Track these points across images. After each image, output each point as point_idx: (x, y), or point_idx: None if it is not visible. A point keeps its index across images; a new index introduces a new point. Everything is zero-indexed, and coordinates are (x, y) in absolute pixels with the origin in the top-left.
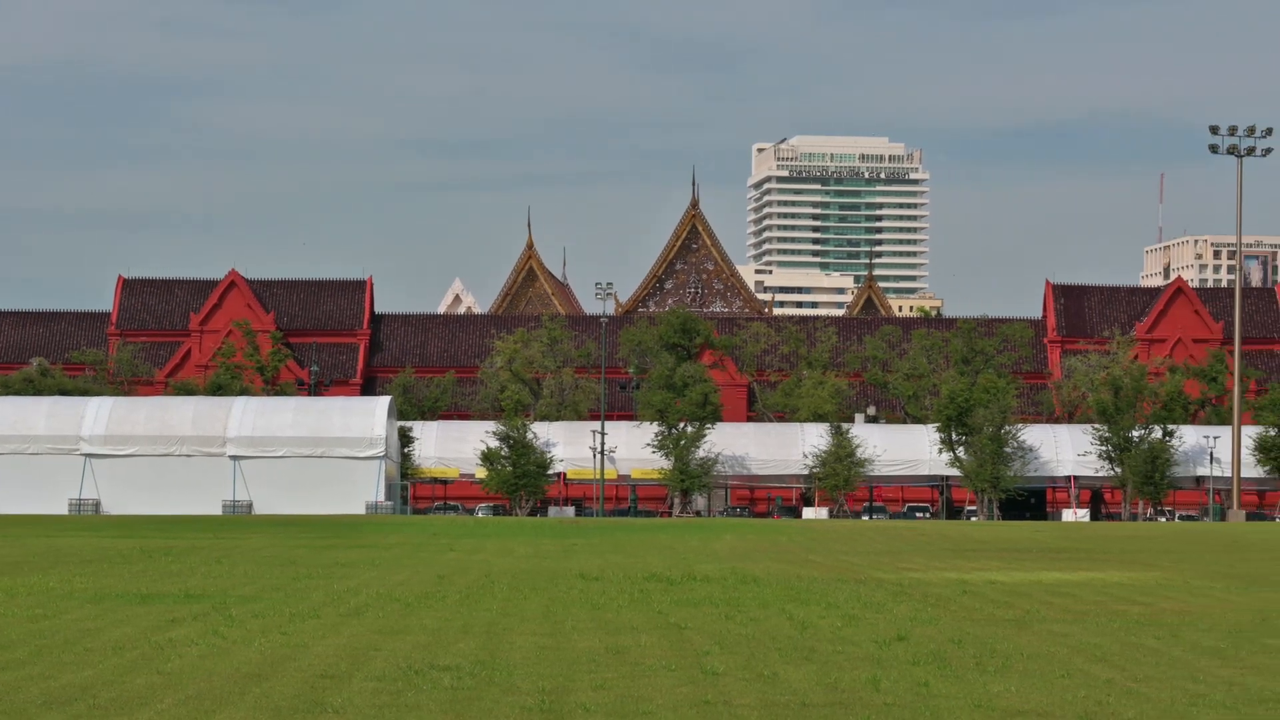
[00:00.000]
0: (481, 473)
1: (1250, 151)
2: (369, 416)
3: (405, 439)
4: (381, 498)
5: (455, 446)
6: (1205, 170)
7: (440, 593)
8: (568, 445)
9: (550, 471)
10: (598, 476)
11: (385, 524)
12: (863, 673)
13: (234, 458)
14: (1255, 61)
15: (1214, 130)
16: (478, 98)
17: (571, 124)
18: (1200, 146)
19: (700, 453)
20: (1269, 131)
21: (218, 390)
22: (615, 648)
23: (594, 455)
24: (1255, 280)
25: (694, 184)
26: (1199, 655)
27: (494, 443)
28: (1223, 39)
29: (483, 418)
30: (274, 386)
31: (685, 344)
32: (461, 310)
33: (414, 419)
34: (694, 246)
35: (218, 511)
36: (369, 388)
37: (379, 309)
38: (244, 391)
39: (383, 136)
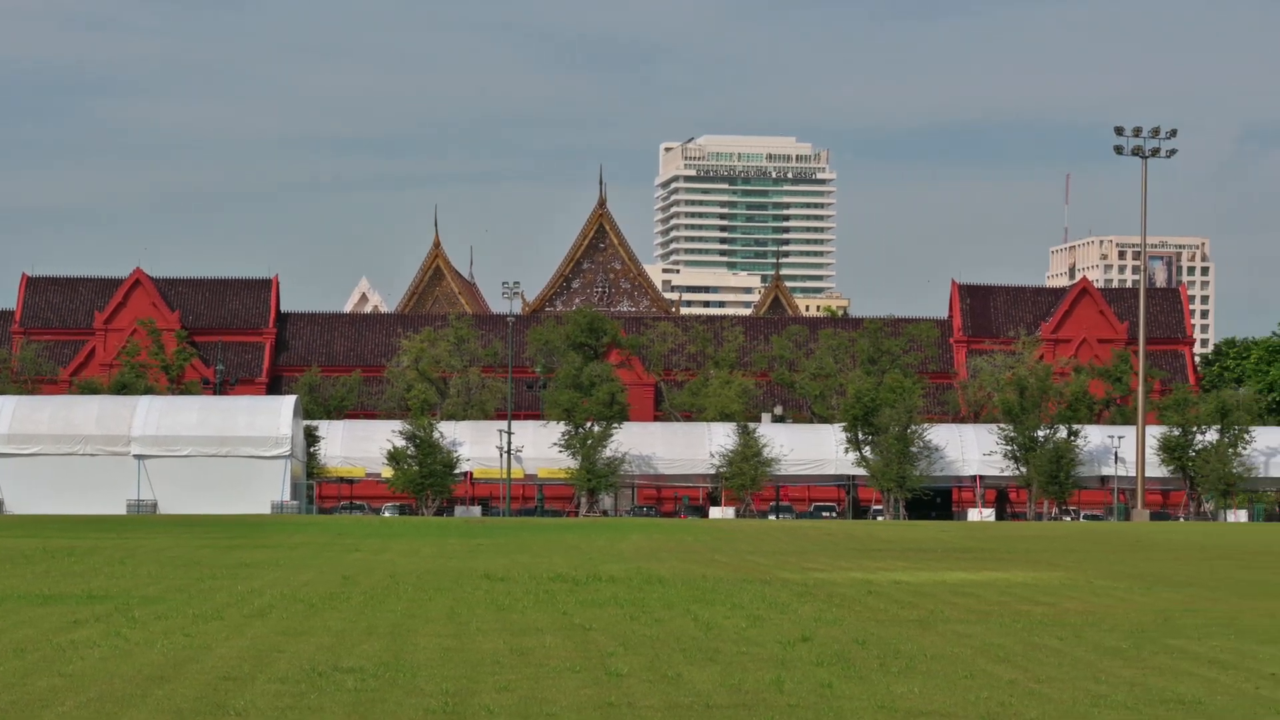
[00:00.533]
0: (388, 472)
1: (1155, 153)
2: (274, 416)
3: (311, 438)
4: (287, 497)
5: (361, 446)
6: (1110, 171)
7: (345, 594)
8: (474, 445)
9: (456, 471)
10: (504, 476)
11: (290, 524)
12: (766, 674)
13: (139, 457)
14: (1160, 63)
15: (1119, 131)
16: (385, 96)
17: (479, 123)
18: (1105, 148)
19: (607, 452)
20: (1173, 133)
21: (122, 389)
22: (519, 649)
23: (501, 455)
24: (1160, 281)
25: (601, 183)
26: (1101, 656)
27: (400, 442)
28: (1128, 41)
29: (389, 417)
30: (179, 385)
31: (592, 343)
32: (368, 309)
33: (320, 418)
34: (601, 246)
35: (122, 511)
36: (275, 387)
37: (285, 308)
38: (149, 390)
39: (289, 135)
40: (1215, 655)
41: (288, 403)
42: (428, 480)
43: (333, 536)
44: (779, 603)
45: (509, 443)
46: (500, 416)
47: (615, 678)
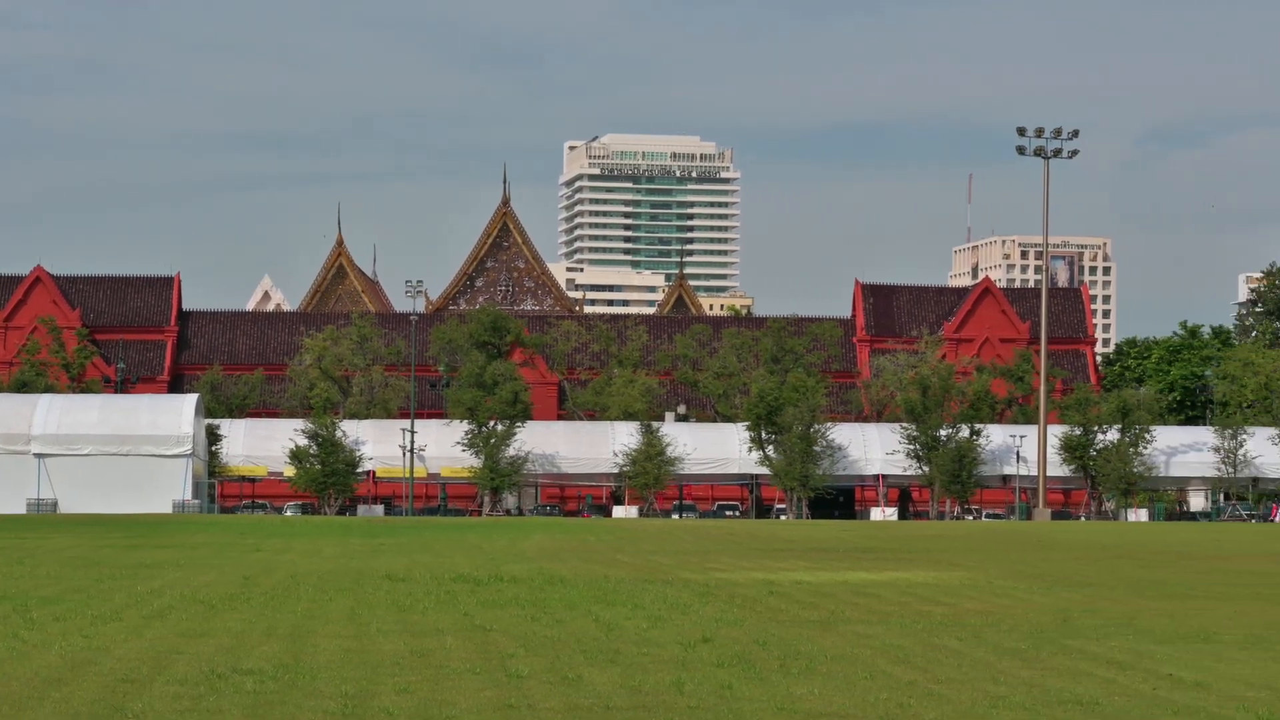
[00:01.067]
0: (290, 471)
1: (1057, 153)
2: (176, 414)
3: (213, 437)
4: (188, 496)
5: (263, 445)
6: (1013, 171)
7: (245, 594)
8: (377, 443)
9: (359, 470)
10: (407, 475)
11: (192, 523)
12: (667, 675)
13: (39, 456)
14: (1063, 64)
15: (1021, 132)
16: (288, 93)
17: (383, 120)
18: (1008, 148)
19: (510, 451)
20: (1075, 134)
21: (22, 388)
22: (420, 650)
23: (404, 453)
24: (1062, 280)
25: (505, 181)
26: (1000, 656)
27: (303, 441)
28: (1031, 41)
29: (291, 416)
30: (80, 384)
31: (496, 342)
32: (271, 307)
33: (222, 417)
34: (505, 244)
35: (22, 510)
36: (176, 385)
37: (187, 306)
38: (49, 389)
39: (191, 132)
40: (1113, 656)
41: (189, 401)
42: (330, 479)
43: (234, 536)
44: (680, 603)
45: (412, 442)
46: (403, 415)
47: (516, 679)
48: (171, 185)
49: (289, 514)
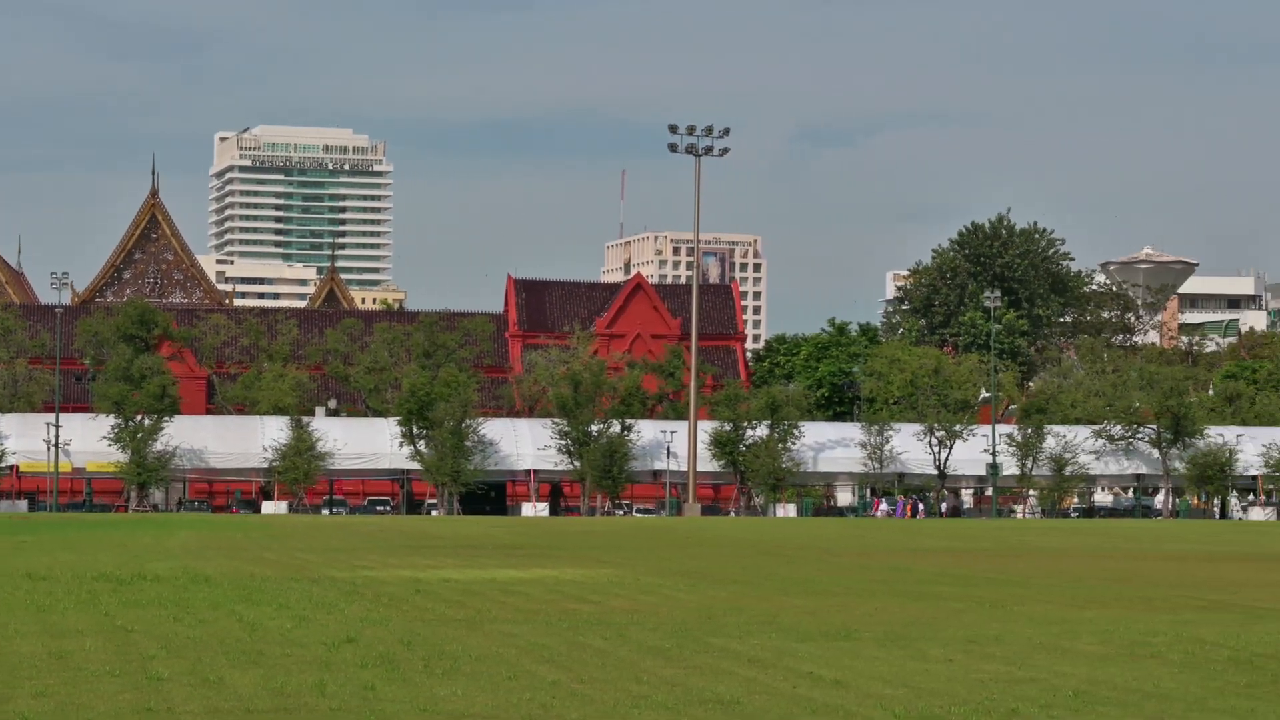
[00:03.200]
0: None
1: (708, 151)
2: None
3: None
4: None
5: None
6: (665, 168)
7: None
8: (20, 437)
9: (1, 464)
10: (52, 470)
11: None
12: (310, 676)
13: None
14: (715, 62)
15: (673, 129)
16: None
17: (26, 109)
18: (660, 145)
19: (158, 446)
20: (726, 131)
21: None
22: (58, 652)
23: (48, 448)
24: (714, 277)
25: (154, 172)
26: (644, 655)
27: None
28: (684, 39)
29: None
30: None
31: (143, 335)
32: None
33: None
34: (154, 236)
35: None
36: None
37: None
38: None
39: None
40: (755, 654)
41: None
42: None
43: None
44: (326, 602)
45: (56, 435)
46: (48, 409)
47: (156, 681)
48: None
49: None
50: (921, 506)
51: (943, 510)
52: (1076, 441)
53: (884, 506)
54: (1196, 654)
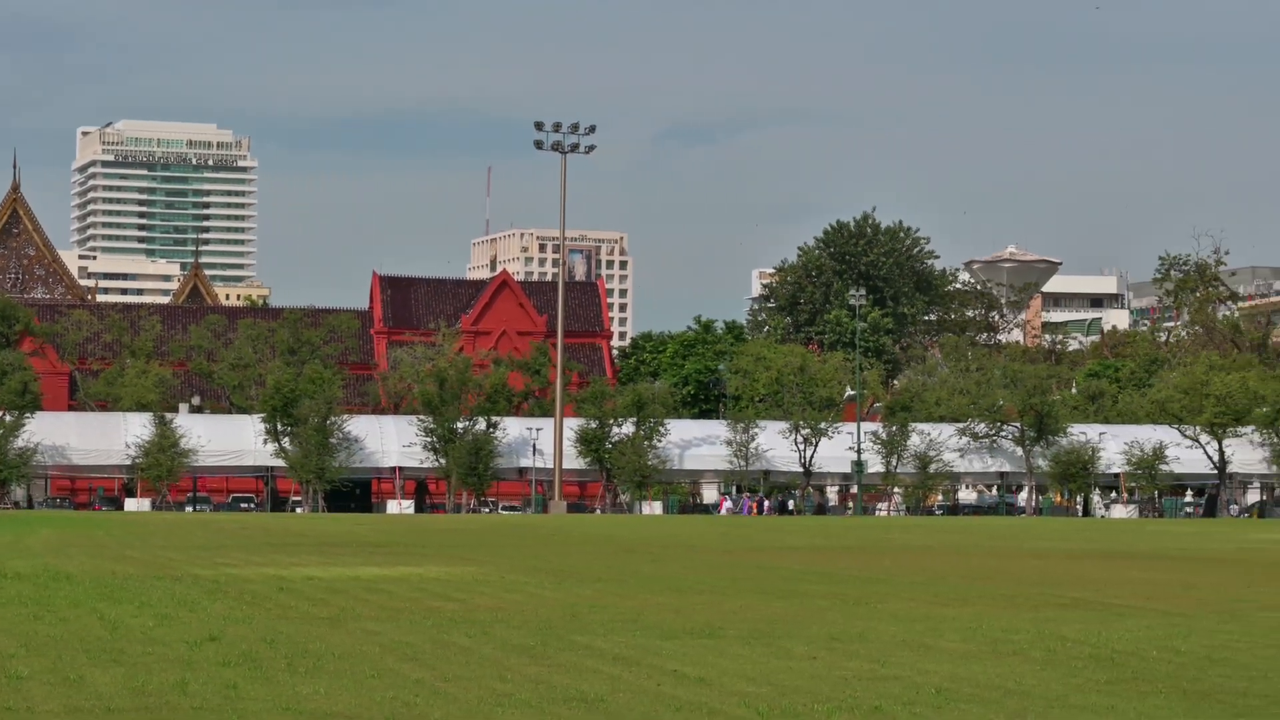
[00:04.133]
0: None
1: (574, 148)
2: None
3: None
4: None
5: None
6: (531, 165)
7: None
8: None
9: None
10: None
11: None
12: (171, 675)
13: None
14: (581, 60)
15: (539, 126)
16: None
17: None
18: (526, 142)
19: (19, 442)
20: (592, 129)
21: None
22: None
23: None
24: (580, 274)
25: (15, 167)
26: (508, 653)
27: None
28: (550, 36)
29: None
30: None
31: (4, 331)
32: None
33: None
34: (15, 231)
35: None
36: None
37: None
38: None
39: None
40: (620, 651)
41: None
42: None
43: None
44: (189, 600)
45: None
46: None
47: (15, 681)
48: None
49: None
50: (767, 504)
51: (787, 508)
52: (941, 439)
53: (728, 504)
54: (1058, 651)
